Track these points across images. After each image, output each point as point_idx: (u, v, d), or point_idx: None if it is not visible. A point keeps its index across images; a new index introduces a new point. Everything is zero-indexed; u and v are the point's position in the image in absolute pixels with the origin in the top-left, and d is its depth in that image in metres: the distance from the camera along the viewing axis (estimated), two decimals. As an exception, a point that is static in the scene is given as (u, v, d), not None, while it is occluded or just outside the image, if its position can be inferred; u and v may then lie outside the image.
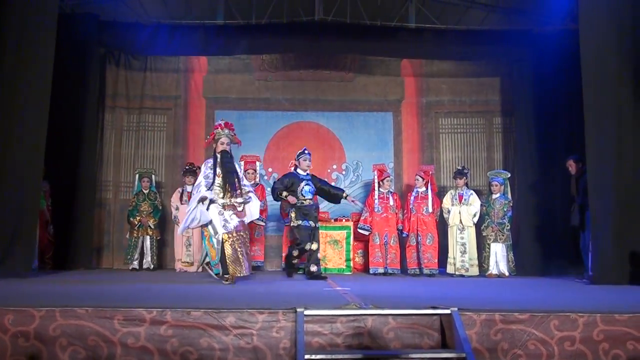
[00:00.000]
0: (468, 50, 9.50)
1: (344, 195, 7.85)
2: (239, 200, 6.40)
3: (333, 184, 10.07)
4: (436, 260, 8.58)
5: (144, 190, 9.16)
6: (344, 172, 10.16)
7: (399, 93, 10.35)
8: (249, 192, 6.55)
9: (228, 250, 6.25)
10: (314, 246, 7.50)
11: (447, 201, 8.73)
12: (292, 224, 7.61)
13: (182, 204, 9.03)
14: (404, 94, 10.36)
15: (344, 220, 9.27)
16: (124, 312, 3.70)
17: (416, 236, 8.63)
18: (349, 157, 10.15)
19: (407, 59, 10.27)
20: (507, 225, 8.48)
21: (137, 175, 9.30)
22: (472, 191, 8.80)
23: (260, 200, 8.81)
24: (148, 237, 9.03)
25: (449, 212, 8.63)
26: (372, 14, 9.64)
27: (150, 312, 3.70)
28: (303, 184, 7.63)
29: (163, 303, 3.94)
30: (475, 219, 8.56)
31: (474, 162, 10.13)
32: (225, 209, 6.37)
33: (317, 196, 8.07)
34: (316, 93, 10.29)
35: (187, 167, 9.19)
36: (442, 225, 8.86)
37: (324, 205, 9.79)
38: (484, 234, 8.53)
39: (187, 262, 8.96)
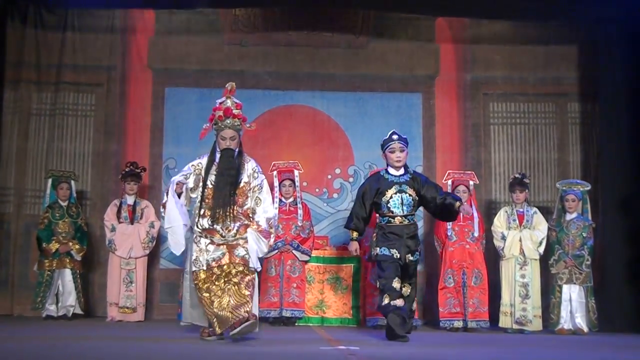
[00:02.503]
0: (532, 5, 9.50)
1: (458, 206, 6.93)
2: (228, 232, 6.36)
3: (335, 195, 10.10)
4: (486, 309, 8.57)
5: (61, 202, 9.15)
6: (351, 180, 10.16)
7: (432, 66, 10.40)
8: (256, 226, 6.43)
9: (200, 294, 6.30)
10: (405, 290, 6.84)
11: (500, 223, 8.75)
12: (372, 253, 7.05)
13: (120, 222, 9.04)
14: (438, 67, 10.40)
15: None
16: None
17: (459, 274, 8.58)
18: (359, 157, 10.16)
19: (444, 17, 10.32)
20: (587, 259, 8.49)
21: (49, 180, 9.28)
22: (535, 209, 8.83)
23: (305, 221, 8.91)
24: (67, 270, 8.99)
25: (503, 238, 8.64)
26: (395, -48, 9.68)
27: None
28: (392, 191, 6.90)
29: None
30: (542, 249, 8.57)
31: (539, 167, 10.18)
32: (202, 236, 6.38)
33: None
34: (312, 65, 10.30)
35: (126, 170, 9.20)
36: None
37: (323, 227, 9.82)
38: (553, 271, 8.53)
39: (127, 308, 8.97)
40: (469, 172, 9.19)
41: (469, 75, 10.37)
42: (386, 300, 6.69)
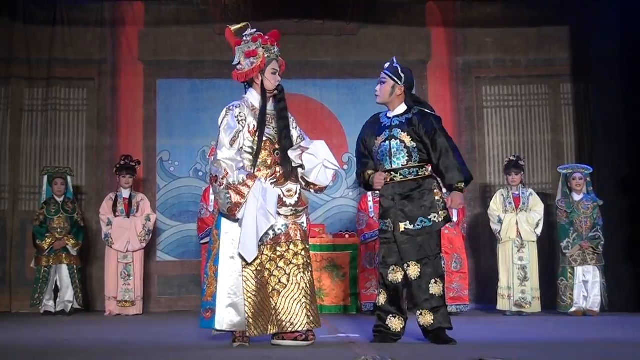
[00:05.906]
0: (523, -15, 9.54)
1: (459, 184, 5.24)
2: (290, 198, 5.06)
3: (330, 184, 10.06)
4: (467, 292, 8.64)
5: (56, 198, 9.15)
6: (346, 167, 10.14)
7: (424, 51, 10.38)
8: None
9: (248, 284, 4.94)
10: (413, 271, 5.19)
11: (496, 206, 8.75)
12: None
13: (116, 216, 9.03)
14: (430, 52, 10.39)
15: (346, 236, 9.28)
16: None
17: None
18: (353, 144, 9.86)
19: (434, 1, 10.30)
20: (602, 240, 8.47)
21: (45, 177, 9.28)
22: (531, 190, 8.86)
23: None
24: (64, 265, 9.00)
25: (500, 221, 8.65)
26: None
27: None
28: (381, 138, 5.31)
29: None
30: (539, 231, 8.59)
31: (533, 149, 10.18)
32: None
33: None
34: (303, 53, 10.27)
35: (121, 163, 9.17)
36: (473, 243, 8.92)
37: (319, 215, 9.80)
38: (568, 253, 8.49)
39: (126, 302, 8.96)
40: None
41: (461, 59, 10.36)
42: (381, 300, 5.33)
